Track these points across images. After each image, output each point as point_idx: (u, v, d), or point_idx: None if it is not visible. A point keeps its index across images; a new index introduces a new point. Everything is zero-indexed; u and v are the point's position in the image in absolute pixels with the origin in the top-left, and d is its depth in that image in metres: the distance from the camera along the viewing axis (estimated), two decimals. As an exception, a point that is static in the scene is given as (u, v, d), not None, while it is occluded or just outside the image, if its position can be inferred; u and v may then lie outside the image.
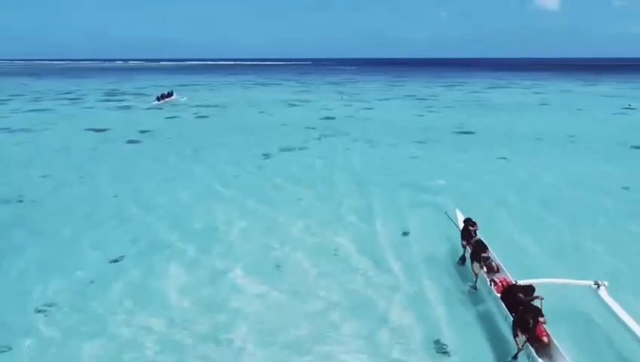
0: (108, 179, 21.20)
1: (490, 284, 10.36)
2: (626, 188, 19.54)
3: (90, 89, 77.85)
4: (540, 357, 8.00)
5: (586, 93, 67.81)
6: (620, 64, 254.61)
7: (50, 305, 10.50)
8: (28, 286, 11.39)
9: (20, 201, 18.04)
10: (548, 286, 10.02)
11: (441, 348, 9.17)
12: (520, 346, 8.52)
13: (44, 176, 21.66)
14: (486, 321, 10.01)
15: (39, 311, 10.26)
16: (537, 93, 69.30)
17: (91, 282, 11.60)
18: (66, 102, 56.51)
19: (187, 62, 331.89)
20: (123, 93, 69.25)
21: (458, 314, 10.33)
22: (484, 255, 11.12)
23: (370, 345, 9.21)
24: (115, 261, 12.80)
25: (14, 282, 11.69)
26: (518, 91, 73.21)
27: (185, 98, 57.23)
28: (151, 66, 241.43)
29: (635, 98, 58.81)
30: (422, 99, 60.69)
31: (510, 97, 62.56)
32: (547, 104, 53.40)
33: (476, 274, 11.15)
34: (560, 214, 16.30)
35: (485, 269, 10.93)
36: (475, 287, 11.10)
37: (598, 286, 10.02)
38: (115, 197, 18.62)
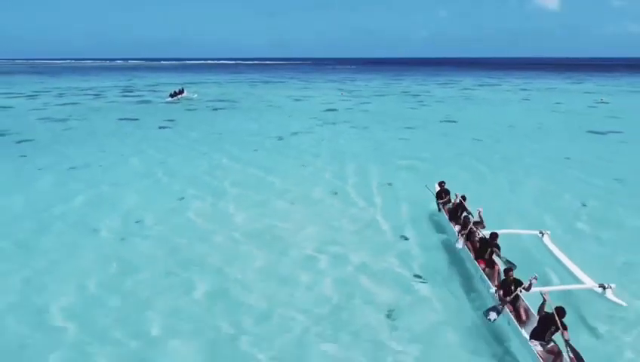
0: (143, 155, 26.28)
1: (458, 236, 12.61)
2: (568, 158, 24.83)
3: (106, 86, 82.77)
4: (490, 281, 10.65)
5: (568, 90, 72.66)
6: (615, 63, 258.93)
7: (134, 220, 15.92)
8: (112, 212, 16.84)
9: (76, 167, 23.24)
10: (504, 235, 12.10)
11: (398, 237, 14.20)
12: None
13: (91, 153, 26.65)
14: (435, 231, 14.86)
15: (133, 223, 15.67)
16: (524, 90, 74.21)
17: (139, 211, 16.94)
18: (89, 97, 61.51)
19: (188, 62, 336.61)
20: (138, 90, 74.23)
21: (414, 226, 15.24)
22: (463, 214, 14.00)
23: (331, 239, 14.39)
24: (152, 204, 17.90)
25: (109, 206, 17.30)
26: (506, 88, 78.14)
27: (196, 95, 61.83)
28: (153, 65, 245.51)
29: (612, 94, 63.85)
30: (416, 95, 65.66)
31: (497, 94, 67.47)
32: (529, 99, 58.31)
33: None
34: (517, 181, 20.74)
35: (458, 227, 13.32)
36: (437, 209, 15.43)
37: (543, 235, 12.49)
38: (150, 167, 23.65)
